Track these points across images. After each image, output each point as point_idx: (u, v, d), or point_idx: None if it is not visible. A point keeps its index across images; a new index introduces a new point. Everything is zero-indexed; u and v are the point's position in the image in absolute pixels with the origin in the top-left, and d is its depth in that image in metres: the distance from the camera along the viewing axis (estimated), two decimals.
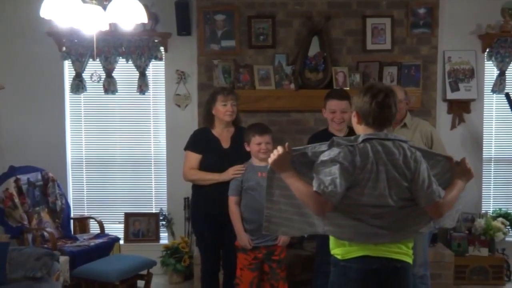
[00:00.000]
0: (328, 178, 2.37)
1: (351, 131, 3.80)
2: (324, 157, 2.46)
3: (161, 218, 5.59)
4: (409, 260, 2.60)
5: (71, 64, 5.42)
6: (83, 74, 5.40)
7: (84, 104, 5.62)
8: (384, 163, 2.44)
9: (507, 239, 5.40)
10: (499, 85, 5.46)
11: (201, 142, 4.06)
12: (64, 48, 5.35)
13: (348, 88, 4.93)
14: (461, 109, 5.51)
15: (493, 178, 5.69)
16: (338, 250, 2.59)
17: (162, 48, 5.41)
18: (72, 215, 5.36)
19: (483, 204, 5.61)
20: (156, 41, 5.36)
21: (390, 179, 2.45)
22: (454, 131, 5.52)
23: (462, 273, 5.18)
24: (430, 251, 4.49)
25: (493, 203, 5.70)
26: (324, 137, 3.67)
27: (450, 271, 5.00)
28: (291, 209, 2.64)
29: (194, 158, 4.03)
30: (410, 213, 2.52)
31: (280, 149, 2.53)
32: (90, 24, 2.89)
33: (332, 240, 2.64)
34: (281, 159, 2.52)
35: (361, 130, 2.58)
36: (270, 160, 2.56)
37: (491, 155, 5.66)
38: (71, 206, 5.44)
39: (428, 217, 2.57)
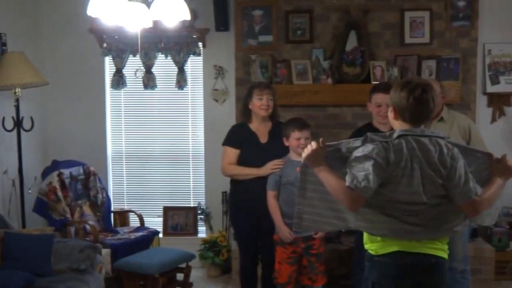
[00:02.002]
0: (361, 173, 2.37)
1: None
2: (358, 153, 2.46)
3: (199, 212, 5.65)
4: (444, 256, 2.58)
5: (111, 60, 5.51)
6: (123, 70, 5.49)
7: (124, 100, 5.72)
8: (419, 160, 2.42)
9: None
10: None
11: (239, 137, 4.10)
12: (105, 45, 5.45)
13: (386, 81, 4.89)
14: (501, 102, 5.42)
15: None
16: (371, 245, 2.60)
17: (200, 44, 5.46)
18: (112, 209, 5.46)
19: None
20: (194, 36, 5.41)
21: (424, 176, 2.43)
22: (495, 124, 5.42)
23: (503, 268, 5.10)
24: (470, 246, 4.44)
25: None
26: (369, 131, 3.67)
27: (490, 266, 4.94)
28: (324, 204, 2.65)
29: (233, 153, 4.07)
30: (445, 211, 2.49)
31: (314, 144, 2.54)
32: (135, 21, 2.94)
33: (365, 235, 2.65)
34: (314, 154, 2.53)
35: (398, 126, 2.56)
36: (304, 155, 2.57)
37: None
38: (112, 200, 5.54)
39: (464, 215, 2.53)
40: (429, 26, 5.24)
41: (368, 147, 2.45)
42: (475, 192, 2.45)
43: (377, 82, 4.85)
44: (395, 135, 2.48)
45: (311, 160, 2.55)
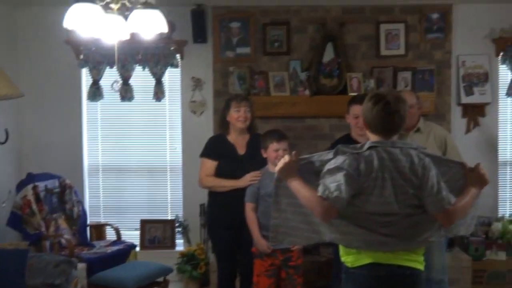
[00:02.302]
0: (333, 184, 2.39)
1: None
2: (329, 165, 2.48)
3: (177, 225, 5.60)
4: (420, 267, 2.58)
5: (88, 72, 5.47)
6: (100, 82, 5.45)
7: (100, 111, 5.67)
8: (390, 170, 2.44)
9: None
10: None
11: (216, 148, 4.09)
12: (81, 56, 5.40)
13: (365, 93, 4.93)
14: (475, 113, 5.50)
15: (509, 182, 5.67)
16: (347, 257, 2.60)
17: (178, 56, 5.45)
18: (88, 222, 5.38)
19: (499, 208, 5.59)
20: (172, 48, 5.40)
21: (396, 186, 2.44)
22: (469, 135, 5.50)
23: (480, 277, 5.16)
24: (447, 255, 4.48)
25: (509, 207, 5.68)
26: (347, 142, 3.71)
27: (467, 275, 5.00)
28: (298, 218, 2.66)
29: (210, 164, 4.05)
30: (419, 221, 2.50)
31: (286, 158, 2.57)
32: (112, 33, 2.93)
33: (341, 248, 2.65)
34: (287, 167, 2.56)
35: (370, 138, 2.58)
36: (277, 168, 2.60)
37: (507, 158, 5.64)
38: (88, 213, 5.46)
39: (438, 225, 2.54)
40: (404, 38, 5.32)
41: (340, 159, 2.47)
42: (448, 201, 2.45)
43: (354, 94, 4.91)
44: (365, 146, 2.50)
45: (284, 172, 2.57)
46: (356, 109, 3.93)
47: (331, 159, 2.52)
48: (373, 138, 2.56)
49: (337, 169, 2.43)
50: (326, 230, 2.58)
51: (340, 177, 2.40)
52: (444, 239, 4.04)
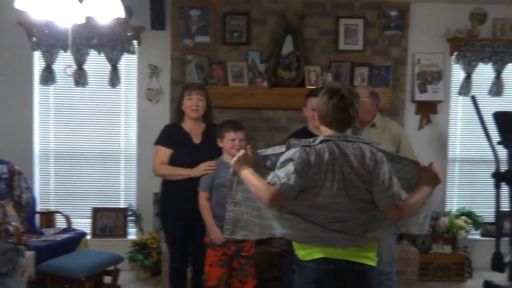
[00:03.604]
0: (283, 173, 2.44)
1: None
2: (282, 158, 2.52)
3: (129, 213, 5.54)
4: (371, 263, 2.60)
5: (41, 55, 5.32)
6: (53, 66, 5.32)
7: (53, 96, 5.53)
8: (341, 163, 2.46)
9: (469, 237, 5.55)
10: (465, 87, 5.59)
11: (171, 136, 4.04)
12: (34, 39, 5.26)
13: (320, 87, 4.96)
14: (428, 110, 5.62)
15: (457, 178, 5.83)
16: (299, 250, 2.63)
17: (135, 42, 5.36)
18: (38, 209, 5.26)
19: (447, 203, 5.75)
20: (129, 34, 5.32)
21: (346, 180, 2.46)
22: (422, 131, 5.62)
23: (426, 269, 5.31)
24: (395, 248, 4.58)
25: (456, 202, 5.85)
26: (304, 135, 3.75)
27: (414, 267, 5.10)
28: (251, 212, 2.69)
29: (165, 152, 4.00)
30: (371, 218, 2.53)
31: (241, 152, 2.62)
32: (66, 16, 2.84)
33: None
34: (242, 160, 2.60)
35: (323, 131, 2.61)
36: (232, 161, 2.64)
37: (456, 156, 5.79)
38: (38, 200, 5.34)
39: (389, 221, 2.57)
40: (363, 34, 5.37)
41: (291, 151, 2.51)
42: (398, 197, 2.48)
43: (312, 87, 4.93)
44: (318, 140, 2.52)
45: (238, 165, 2.62)
46: (313, 102, 3.94)
47: (283, 152, 2.56)
48: (326, 132, 2.58)
49: (288, 160, 2.47)
50: (278, 226, 2.60)
51: (290, 166, 2.44)
52: None
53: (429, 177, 2.64)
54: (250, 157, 2.61)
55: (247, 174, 2.58)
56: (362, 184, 2.47)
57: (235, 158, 2.63)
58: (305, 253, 2.59)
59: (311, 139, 2.55)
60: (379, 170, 2.47)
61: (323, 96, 2.56)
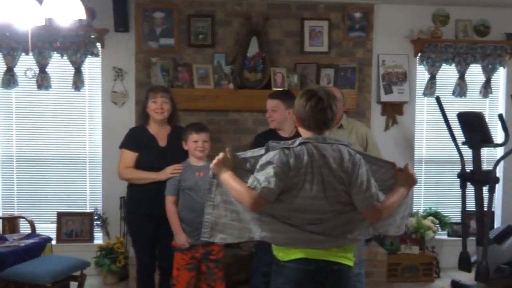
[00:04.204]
0: (263, 176, 2.44)
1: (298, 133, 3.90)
2: (261, 161, 2.52)
3: (95, 217, 5.47)
4: (348, 263, 2.62)
5: (1, 58, 5.21)
6: (14, 69, 5.22)
7: (15, 100, 5.43)
8: (319, 165, 2.47)
9: (436, 237, 5.62)
10: (430, 88, 5.67)
11: (137, 140, 4.00)
12: None
13: (286, 89, 4.98)
14: (394, 111, 5.68)
15: (424, 178, 5.89)
16: (279, 252, 2.63)
17: (98, 44, 5.29)
18: (1, 215, 5.17)
19: (414, 204, 5.80)
20: (92, 36, 5.24)
21: (325, 182, 2.47)
22: (388, 132, 5.68)
23: (395, 270, 5.35)
24: (364, 249, 4.61)
25: (424, 203, 5.92)
26: (270, 136, 3.78)
27: (383, 269, 5.14)
28: (230, 215, 2.69)
29: (130, 156, 3.96)
30: (349, 220, 2.55)
31: (221, 155, 2.61)
32: (25, 18, 2.78)
33: None
34: (221, 163, 2.60)
35: (302, 133, 2.62)
36: (211, 165, 2.63)
37: (422, 156, 5.87)
38: (0, 205, 5.23)
39: (367, 223, 2.60)
40: (328, 35, 5.40)
41: (270, 154, 2.51)
42: (376, 198, 2.50)
43: (278, 89, 4.94)
44: (297, 142, 2.53)
45: (217, 168, 2.61)
46: (268, 103, 4.03)
47: (262, 155, 2.56)
48: (305, 134, 2.59)
49: (267, 163, 2.47)
50: (257, 229, 2.60)
51: (269, 169, 2.44)
52: None
53: (405, 179, 2.67)
54: (229, 160, 2.61)
55: (227, 177, 2.57)
56: (341, 186, 2.48)
57: (214, 161, 2.62)
58: (285, 254, 2.59)
59: (290, 141, 2.55)
60: (357, 172, 2.49)
61: (301, 98, 2.56)
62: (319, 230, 2.51)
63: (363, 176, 2.49)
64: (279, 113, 3.97)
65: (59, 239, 5.41)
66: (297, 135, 3.77)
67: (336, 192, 2.49)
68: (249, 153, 2.66)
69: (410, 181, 2.68)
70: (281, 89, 4.86)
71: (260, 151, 2.61)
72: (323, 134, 2.57)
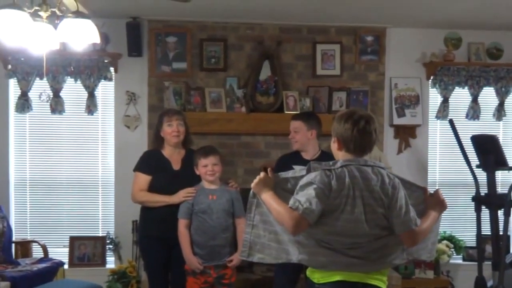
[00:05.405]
0: (304, 197, 2.42)
1: (322, 154, 3.92)
2: (302, 182, 2.52)
3: (108, 241, 5.45)
4: (382, 285, 2.61)
5: (16, 83, 5.27)
6: (29, 93, 5.27)
7: (29, 124, 5.46)
8: (361, 188, 2.47)
9: (451, 261, 5.56)
10: (442, 111, 5.64)
11: (151, 163, 4.01)
12: (9, 66, 5.20)
13: (309, 111, 5.08)
14: (407, 134, 5.66)
15: None
16: (314, 273, 2.61)
17: (112, 69, 5.34)
18: (14, 239, 5.15)
19: None
20: (106, 61, 5.29)
21: (366, 205, 2.46)
22: (401, 155, 5.65)
23: None
24: None
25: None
26: (294, 157, 3.81)
27: None
28: (268, 235, 2.68)
29: (144, 179, 3.97)
30: (386, 244, 2.54)
31: (262, 174, 2.63)
32: (40, 43, 2.81)
33: None
34: (262, 182, 2.61)
35: (341, 156, 2.60)
36: (252, 184, 2.64)
37: (435, 179, 5.81)
38: (13, 229, 5.24)
39: (402, 248, 2.59)
40: (340, 59, 5.42)
41: (311, 175, 2.50)
42: (414, 222, 2.50)
43: (290, 112, 4.94)
44: (338, 164, 2.52)
45: (258, 187, 2.62)
46: (291, 124, 4.13)
47: (304, 175, 2.55)
48: (345, 156, 2.58)
49: (308, 184, 2.46)
50: (295, 251, 2.59)
51: (311, 190, 2.42)
52: None
53: (436, 203, 2.69)
54: (270, 179, 2.62)
55: (268, 198, 2.57)
56: (380, 209, 2.48)
57: (255, 180, 2.63)
58: (321, 275, 2.56)
59: (330, 162, 2.55)
60: (397, 196, 2.49)
61: (347, 122, 2.55)
62: (357, 254, 2.50)
63: (402, 199, 2.50)
64: (301, 134, 4.05)
65: (71, 263, 5.39)
66: (320, 158, 3.80)
67: (376, 215, 2.48)
68: (290, 173, 2.66)
69: (440, 206, 2.70)
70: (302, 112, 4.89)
71: (301, 171, 2.61)
72: (363, 157, 2.57)
